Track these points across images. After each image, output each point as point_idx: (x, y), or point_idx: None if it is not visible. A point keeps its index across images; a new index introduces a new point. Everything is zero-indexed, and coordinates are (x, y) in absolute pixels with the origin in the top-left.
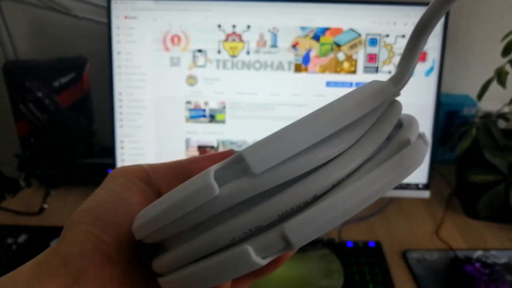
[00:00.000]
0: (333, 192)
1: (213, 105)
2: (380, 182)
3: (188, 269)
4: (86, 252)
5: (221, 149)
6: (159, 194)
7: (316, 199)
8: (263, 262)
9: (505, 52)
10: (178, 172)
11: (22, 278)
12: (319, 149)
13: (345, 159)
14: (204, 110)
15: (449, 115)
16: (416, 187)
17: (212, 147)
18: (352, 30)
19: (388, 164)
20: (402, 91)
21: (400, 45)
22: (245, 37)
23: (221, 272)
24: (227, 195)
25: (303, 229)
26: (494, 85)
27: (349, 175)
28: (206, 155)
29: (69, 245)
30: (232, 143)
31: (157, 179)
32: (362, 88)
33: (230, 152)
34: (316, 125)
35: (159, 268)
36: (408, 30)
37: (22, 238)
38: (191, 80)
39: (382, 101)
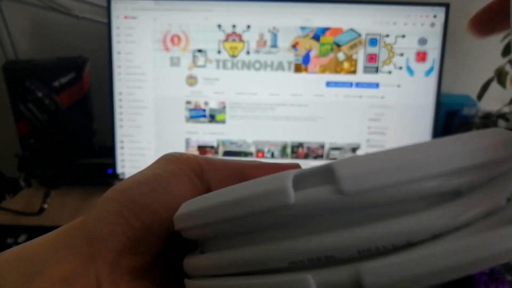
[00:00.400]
0: (431, 244)
1: (213, 105)
2: (496, 247)
3: (227, 281)
4: (113, 235)
5: (221, 149)
6: (208, 191)
7: (408, 246)
8: None
9: (505, 52)
10: (236, 173)
11: (39, 249)
12: (428, 183)
13: (454, 208)
14: (204, 110)
15: (449, 115)
16: None
17: (212, 147)
18: (352, 30)
19: (508, 230)
20: (401, 91)
21: (400, 45)
22: (245, 37)
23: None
24: (303, 202)
25: (383, 277)
26: (494, 85)
27: (456, 228)
28: (273, 164)
29: (97, 223)
30: (232, 143)
31: (211, 174)
32: (485, 132)
33: (296, 165)
34: (434, 155)
35: (192, 267)
36: (408, 30)
37: (22, 238)
38: (191, 80)
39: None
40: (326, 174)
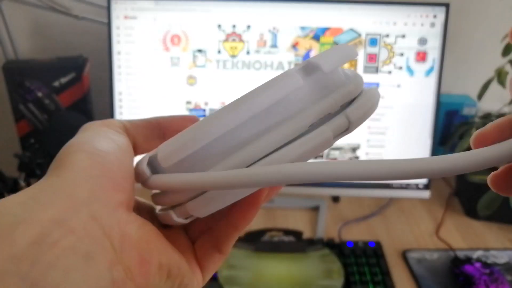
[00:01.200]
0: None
1: (213, 105)
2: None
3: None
4: (94, 177)
5: None
6: (134, 149)
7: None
8: (333, 142)
9: (505, 52)
10: (155, 127)
11: (14, 203)
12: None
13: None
14: (204, 110)
15: (449, 115)
16: (416, 187)
17: None
18: (352, 30)
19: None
20: (401, 91)
21: (400, 45)
22: (245, 37)
23: (306, 151)
24: (312, 82)
25: (358, 111)
26: (494, 85)
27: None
28: (182, 115)
29: (73, 171)
30: None
31: (134, 132)
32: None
33: (195, 116)
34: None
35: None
36: (408, 30)
37: None
38: (191, 80)
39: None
40: (311, 67)
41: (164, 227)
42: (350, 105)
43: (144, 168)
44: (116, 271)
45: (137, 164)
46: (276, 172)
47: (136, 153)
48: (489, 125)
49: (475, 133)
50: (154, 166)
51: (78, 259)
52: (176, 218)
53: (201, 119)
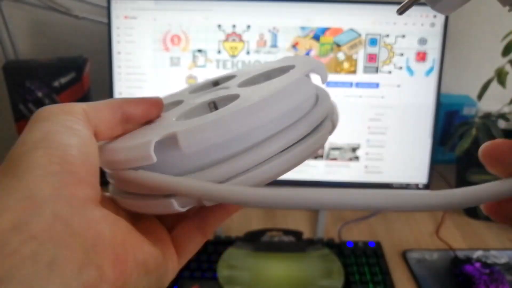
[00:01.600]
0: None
1: None
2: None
3: (294, 149)
4: (55, 174)
5: None
6: (95, 135)
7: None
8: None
9: (505, 52)
10: (118, 112)
11: None
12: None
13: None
14: None
15: (449, 115)
16: (416, 187)
17: None
18: (352, 30)
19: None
20: (401, 91)
21: (400, 45)
22: (245, 37)
23: (316, 149)
24: (318, 93)
25: (337, 118)
26: (494, 85)
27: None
28: (146, 98)
29: (29, 169)
30: None
31: (96, 118)
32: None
33: (159, 99)
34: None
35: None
36: (408, 30)
37: None
38: (191, 80)
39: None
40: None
41: (132, 216)
42: (330, 118)
43: (151, 154)
44: (88, 273)
45: (125, 149)
46: (319, 197)
47: (97, 139)
48: (501, 140)
49: (484, 146)
50: (160, 151)
51: (40, 267)
52: (177, 206)
53: (223, 109)
